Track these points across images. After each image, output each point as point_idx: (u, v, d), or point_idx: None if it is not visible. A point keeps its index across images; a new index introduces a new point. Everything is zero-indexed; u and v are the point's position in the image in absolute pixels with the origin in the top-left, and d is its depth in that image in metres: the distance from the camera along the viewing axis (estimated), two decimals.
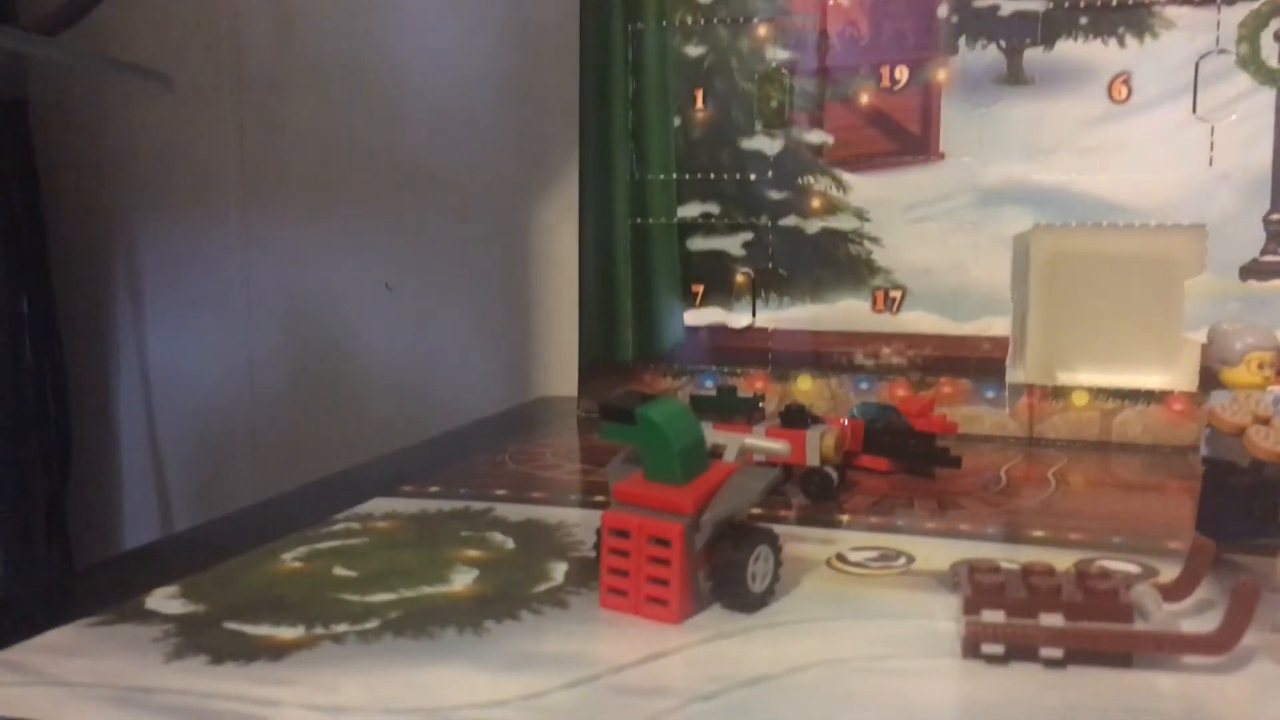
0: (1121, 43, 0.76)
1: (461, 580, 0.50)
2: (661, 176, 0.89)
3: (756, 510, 0.62)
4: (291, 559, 0.53)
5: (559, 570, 0.52)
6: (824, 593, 0.50)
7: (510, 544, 0.55)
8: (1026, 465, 0.72)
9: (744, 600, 0.47)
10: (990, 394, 0.81)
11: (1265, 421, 0.52)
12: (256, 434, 1.16)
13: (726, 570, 0.47)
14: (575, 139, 0.90)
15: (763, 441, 0.52)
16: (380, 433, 0.98)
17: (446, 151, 1.05)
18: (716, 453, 0.51)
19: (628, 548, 0.47)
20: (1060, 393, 0.80)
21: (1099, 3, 0.77)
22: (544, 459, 0.75)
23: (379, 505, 0.62)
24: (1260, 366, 0.56)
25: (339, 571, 0.51)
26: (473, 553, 0.54)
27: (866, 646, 0.44)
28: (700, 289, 0.88)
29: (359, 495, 0.64)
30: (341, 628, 0.44)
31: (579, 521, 0.60)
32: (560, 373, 0.98)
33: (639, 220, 0.90)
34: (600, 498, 0.64)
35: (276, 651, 0.41)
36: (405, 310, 1.08)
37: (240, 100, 1.13)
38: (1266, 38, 0.73)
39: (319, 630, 0.43)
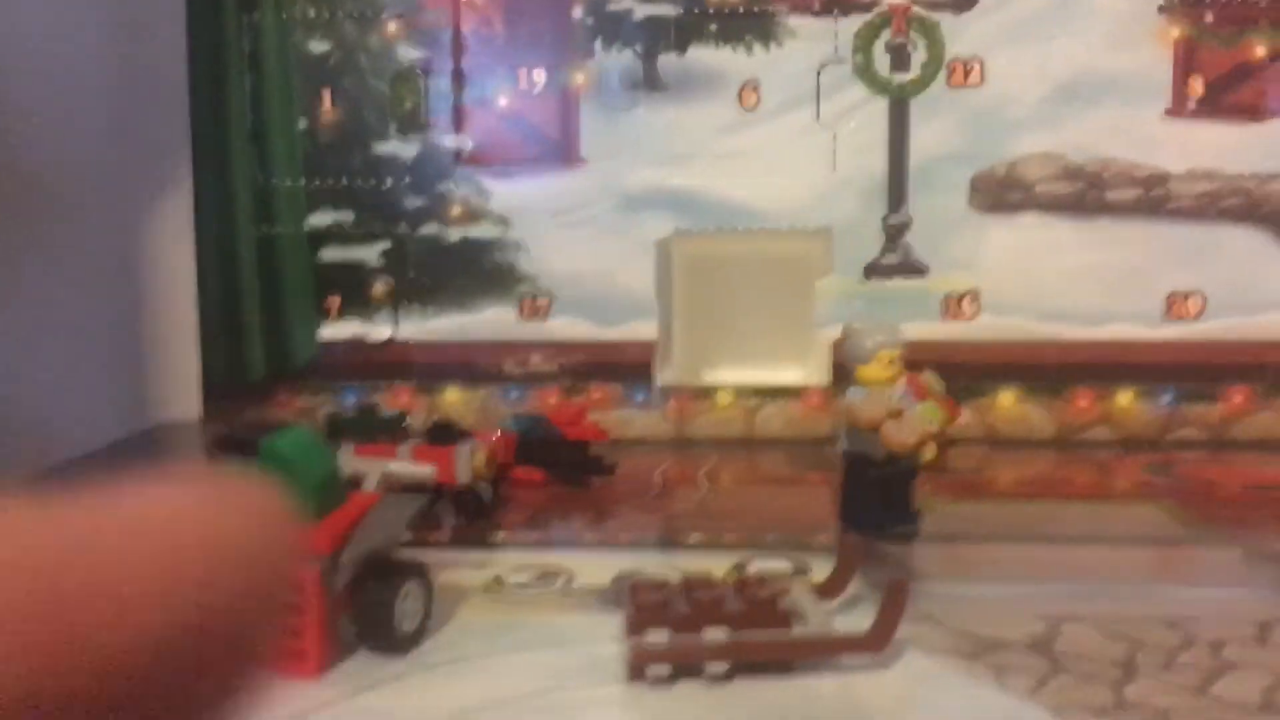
0: (749, 50, 0.78)
1: None
2: (288, 182, 0.82)
3: (407, 538, 0.58)
4: None
5: None
6: (483, 624, 0.47)
7: None
8: (679, 467, 0.72)
9: (393, 642, 0.43)
10: (641, 398, 0.81)
11: (897, 415, 0.54)
12: None
13: (371, 612, 0.43)
14: (188, 140, 0.82)
15: (407, 467, 0.48)
16: None
17: (42, 155, 0.92)
18: (356, 482, 0.47)
19: None
20: (706, 393, 0.81)
21: (727, 10, 0.78)
22: None
23: None
24: (890, 363, 0.59)
25: None
26: None
27: (530, 681, 0.41)
28: (336, 301, 0.82)
29: None
30: None
31: None
32: (181, 395, 0.88)
33: (265, 229, 0.83)
34: None
35: None
36: None
37: None
38: (878, 49, 0.77)
39: None
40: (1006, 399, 0.81)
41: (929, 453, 0.63)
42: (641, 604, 0.41)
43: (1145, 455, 0.77)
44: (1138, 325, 0.80)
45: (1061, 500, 0.66)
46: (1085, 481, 0.70)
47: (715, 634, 0.40)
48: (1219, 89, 0.80)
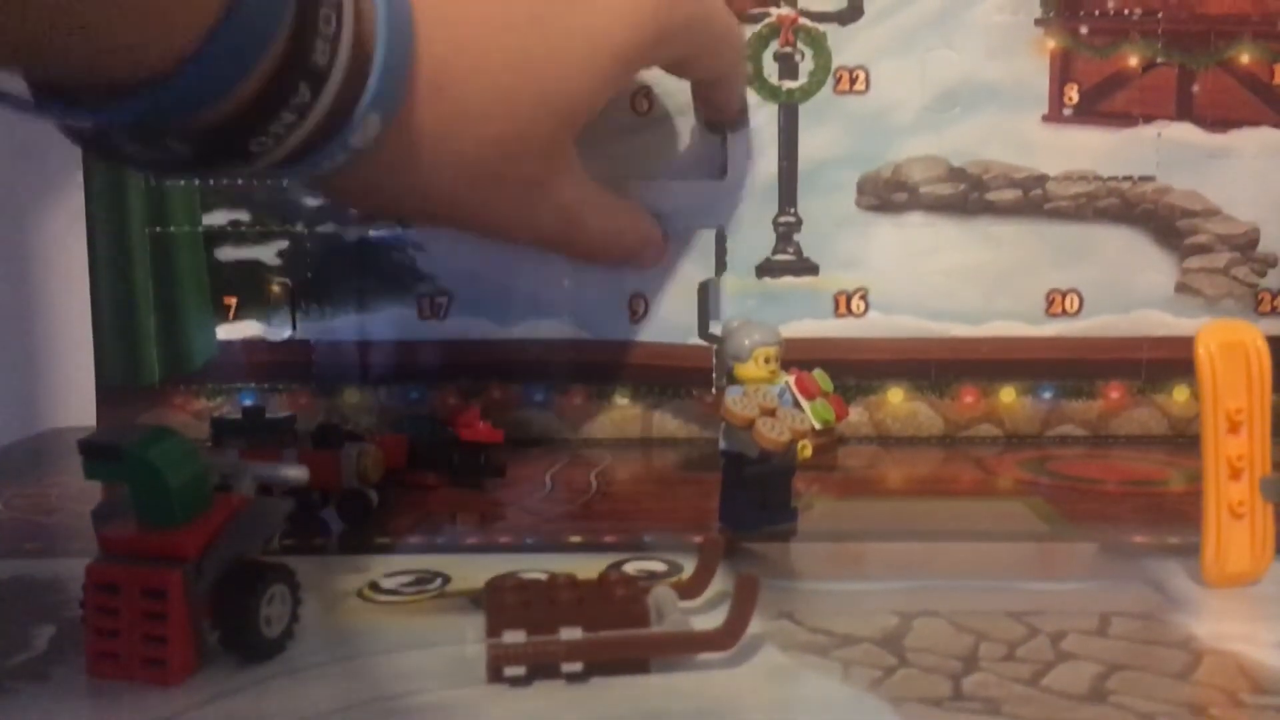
0: None
1: None
2: (182, 182, 0.81)
3: (289, 542, 0.58)
4: None
5: (44, 636, 0.46)
6: (352, 627, 0.47)
7: None
8: (571, 468, 0.73)
9: (257, 647, 0.43)
10: (539, 397, 0.81)
11: (771, 413, 0.55)
12: None
13: (235, 617, 0.43)
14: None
15: (277, 469, 0.48)
16: None
17: None
18: (227, 485, 0.47)
19: (117, 605, 0.42)
20: (604, 393, 0.82)
21: None
22: (46, 502, 0.66)
23: None
24: (766, 360, 0.60)
25: None
26: None
27: (390, 683, 0.41)
28: (234, 301, 0.81)
29: None
30: None
31: (78, 576, 0.52)
32: (75, 400, 0.87)
33: (158, 229, 0.82)
34: None
35: None
36: None
37: None
38: (768, 57, 0.78)
39: None
40: (895, 396, 0.83)
41: (805, 451, 0.64)
42: (501, 605, 0.42)
43: (1026, 452, 0.79)
44: (1020, 322, 0.83)
45: (940, 497, 0.68)
46: (965, 478, 0.72)
47: (570, 633, 0.41)
48: (1094, 97, 0.83)
